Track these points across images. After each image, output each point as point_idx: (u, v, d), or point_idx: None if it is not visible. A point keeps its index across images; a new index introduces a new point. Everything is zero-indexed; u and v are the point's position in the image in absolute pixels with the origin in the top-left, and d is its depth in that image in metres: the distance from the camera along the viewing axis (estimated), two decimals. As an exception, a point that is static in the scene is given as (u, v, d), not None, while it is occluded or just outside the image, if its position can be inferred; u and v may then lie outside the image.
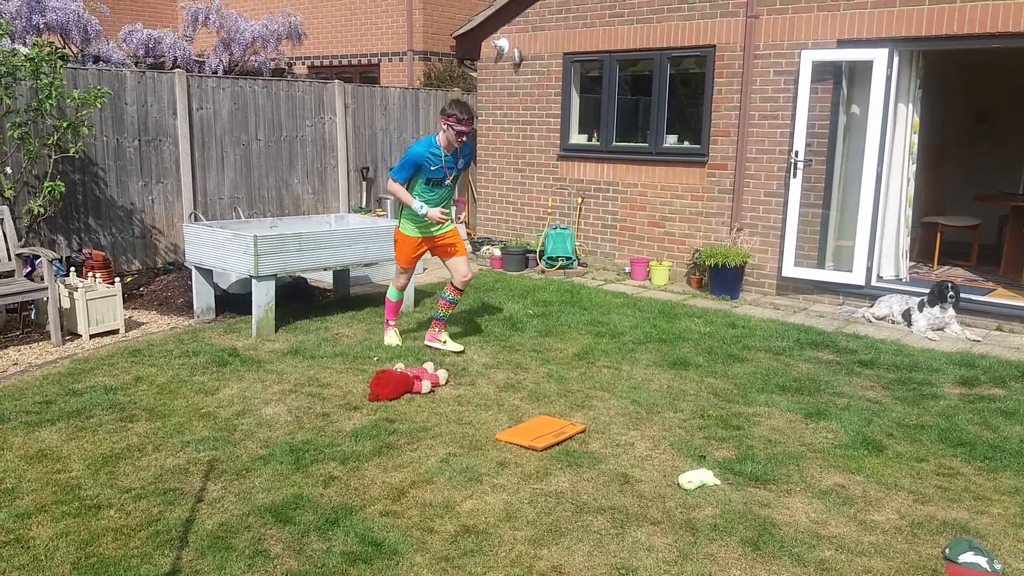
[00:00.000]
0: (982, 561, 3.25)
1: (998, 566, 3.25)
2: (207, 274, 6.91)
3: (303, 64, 16.29)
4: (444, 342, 6.09)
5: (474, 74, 10.81)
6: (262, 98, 9.79)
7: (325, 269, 6.79)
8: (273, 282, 6.45)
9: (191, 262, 6.87)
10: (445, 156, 5.74)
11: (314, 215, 9.34)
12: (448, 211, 5.94)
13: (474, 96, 11.32)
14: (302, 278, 7.75)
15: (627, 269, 9.31)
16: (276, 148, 10.00)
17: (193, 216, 8.97)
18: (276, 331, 6.52)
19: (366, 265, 7.16)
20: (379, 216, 10.24)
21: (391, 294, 6.29)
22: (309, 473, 4.04)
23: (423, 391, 5.14)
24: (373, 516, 3.63)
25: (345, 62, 15.67)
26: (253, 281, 6.33)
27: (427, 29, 14.60)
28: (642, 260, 9.14)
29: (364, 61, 15.39)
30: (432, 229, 5.99)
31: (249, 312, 6.57)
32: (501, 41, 10.13)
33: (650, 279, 9.01)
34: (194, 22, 12.97)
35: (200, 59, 13.21)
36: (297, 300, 7.51)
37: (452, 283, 6.08)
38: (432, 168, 5.72)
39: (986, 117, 10.46)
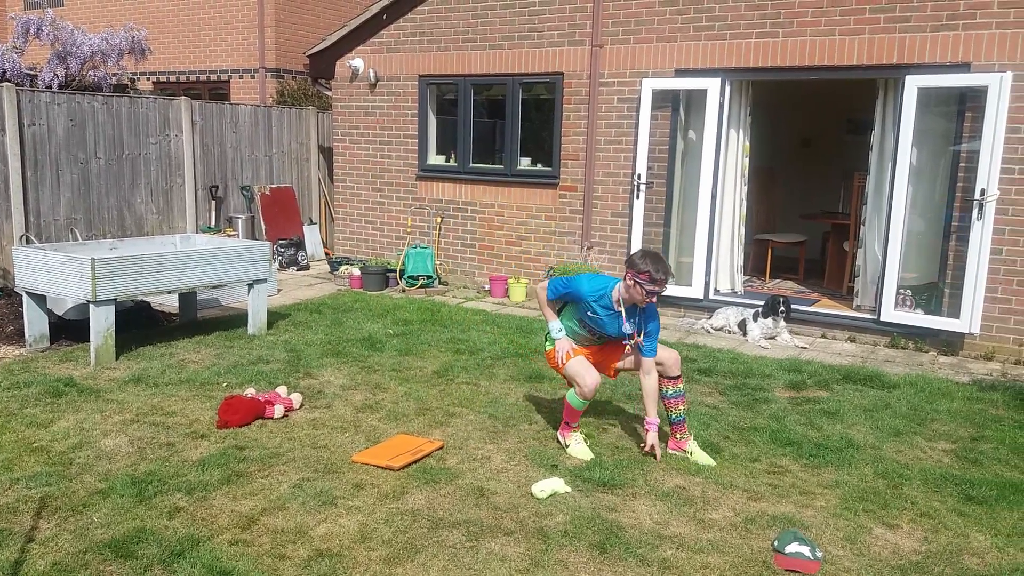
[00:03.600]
0: (806, 550, 3.53)
1: (819, 554, 3.55)
2: (40, 300, 6.49)
3: (148, 80, 15.59)
4: (691, 453, 4.64)
5: (329, 93, 10.72)
6: (102, 115, 9.31)
7: (170, 292, 6.52)
8: (113, 307, 6.14)
9: (21, 287, 6.43)
10: (613, 312, 4.49)
11: (158, 236, 8.94)
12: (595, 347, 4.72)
13: (329, 115, 11.21)
14: (145, 302, 7.41)
15: (487, 287, 9.47)
16: (118, 166, 9.52)
17: (24, 238, 8.40)
18: (117, 359, 6.20)
19: (214, 287, 6.94)
20: (229, 236, 9.94)
21: (572, 401, 4.66)
22: (152, 505, 3.88)
23: (275, 416, 5.03)
24: (221, 546, 3.53)
25: (193, 78, 15.12)
26: (91, 306, 6.00)
27: (280, 46, 14.33)
28: (501, 278, 9.32)
29: (214, 78, 14.91)
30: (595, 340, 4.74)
31: (87, 339, 6.22)
32: (356, 61, 10.11)
33: (509, 296, 9.19)
34: (25, 33, 12.14)
35: (32, 72, 12.38)
36: (140, 326, 7.16)
37: (663, 375, 4.66)
38: (590, 315, 4.57)
39: (809, 142, 11.39)
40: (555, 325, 4.69)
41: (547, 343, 4.84)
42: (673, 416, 4.66)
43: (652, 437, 4.56)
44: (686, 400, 4.81)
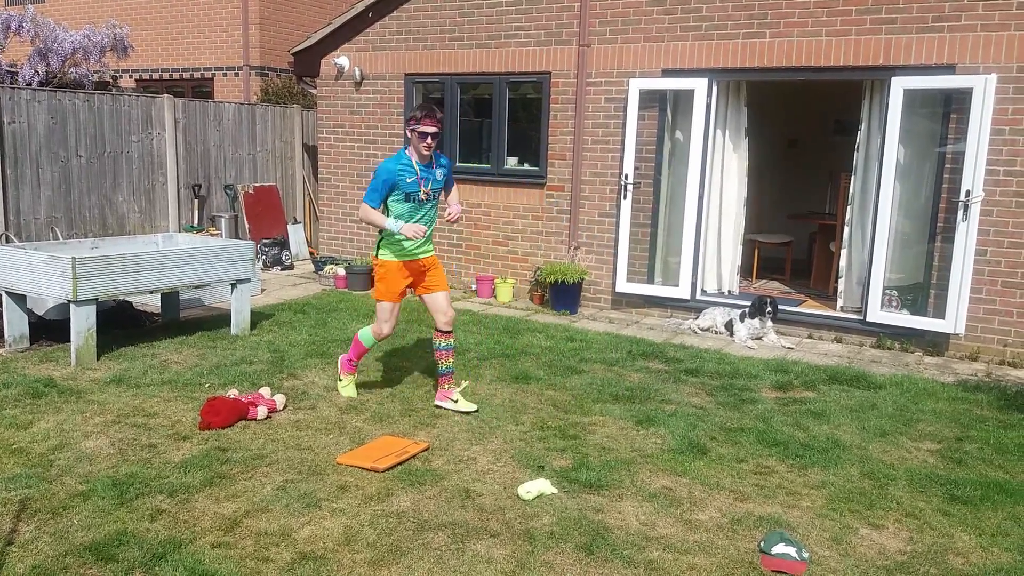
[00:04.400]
0: (792, 551, 3.52)
1: (806, 554, 3.54)
2: (20, 299, 6.39)
3: (130, 77, 15.45)
4: (456, 400, 5.29)
5: (314, 91, 10.65)
6: (84, 112, 9.21)
7: (152, 292, 6.45)
8: (94, 307, 6.06)
9: (1, 287, 6.34)
10: (420, 167, 5.08)
11: (140, 235, 8.85)
12: (427, 229, 5.18)
13: (314, 113, 11.14)
14: (127, 302, 7.32)
15: (473, 287, 9.43)
16: (99, 165, 9.42)
17: (4, 237, 8.29)
18: (98, 359, 6.12)
19: (197, 287, 6.87)
20: (212, 235, 9.86)
21: (365, 338, 5.39)
22: (134, 508, 3.82)
23: (259, 417, 4.98)
24: (204, 548, 3.48)
25: (176, 76, 15.00)
26: (72, 306, 5.92)
27: (264, 44, 14.24)
28: (487, 278, 9.29)
29: (197, 75, 14.79)
30: (417, 251, 5.21)
31: (68, 339, 6.14)
32: (341, 59, 10.05)
33: (495, 296, 9.16)
34: (5, 30, 12.01)
35: (12, 69, 12.25)
36: (121, 326, 7.08)
37: (436, 328, 5.31)
38: (408, 181, 5.03)
39: (796, 143, 11.43)
40: (391, 220, 5.03)
41: (376, 251, 5.27)
42: (442, 368, 5.29)
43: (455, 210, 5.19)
44: (455, 354, 5.44)
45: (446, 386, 5.32)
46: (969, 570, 3.50)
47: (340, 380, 5.53)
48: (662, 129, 8.28)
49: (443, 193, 5.36)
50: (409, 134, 5.04)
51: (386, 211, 5.13)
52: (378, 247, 5.25)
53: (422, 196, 5.11)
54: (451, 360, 5.30)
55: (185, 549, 3.47)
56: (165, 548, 3.46)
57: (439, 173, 5.19)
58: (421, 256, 5.26)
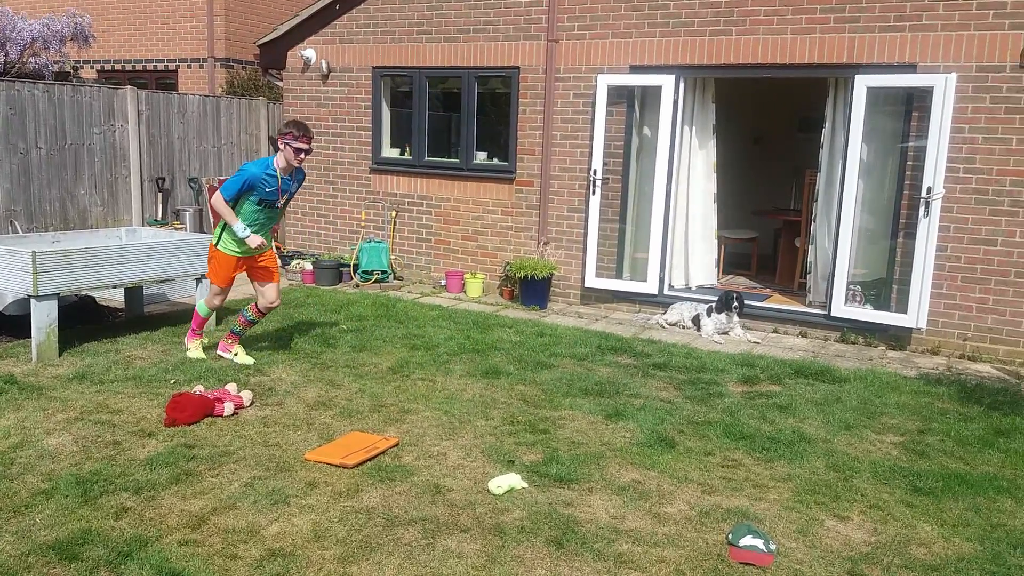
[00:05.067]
0: (759, 543, 3.57)
1: (773, 546, 3.59)
2: (-24, 295, 6.25)
3: (92, 68, 15.15)
4: (235, 354, 6.01)
5: (280, 84, 10.53)
6: (43, 103, 9.02)
7: (115, 287, 6.34)
8: (55, 302, 5.94)
9: (-43, 282, 6.18)
10: (282, 178, 5.64)
11: (103, 229, 8.69)
12: (268, 237, 5.87)
13: (280, 106, 11.02)
14: (90, 297, 7.19)
15: (443, 282, 9.41)
16: (60, 157, 9.23)
17: (-41, 231, 8.08)
18: (60, 355, 6.00)
19: (161, 282, 6.77)
20: (177, 229, 9.71)
21: (201, 309, 6.14)
22: (98, 506, 3.76)
23: (225, 413, 4.92)
24: (171, 546, 3.44)
25: (140, 67, 14.74)
26: (32, 301, 5.80)
27: (229, 36, 14.04)
28: (457, 273, 9.27)
29: (161, 67, 14.55)
30: (253, 250, 5.82)
31: (28, 335, 6.01)
32: (308, 52, 9.95)
33: (465, 291, 9.15)
34: (-40, 17, 11.72)
35: (-33, 58, 11.95)
36: (84, 321, 6.95)
37: (257, 305, 6.03)
38: (267, 190, 5.61)
39: (762, 140, 11.55)
40: (240, 224, 5.60)
41: (215, 238, 5.79)
42: (237, 329, 6.04)
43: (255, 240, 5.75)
44: (251, 328, 6.17)
45: (229, 341, 6.05)
46: (932, 560, 3.57)
47: (188, 349, 6.13)
48: (630, 125, 8.32)
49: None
50: (282, 147, 5.56)
51: (237, 206, 5.67)
52: (219, 236, 5.79)
53: (278, 203, 5.75)
54: (247, 330, 6.10)
55: (151, 547, 3.42)
56: (131, 546, 3.41)
57: (295, 186, 5.84)
58: (256, 254, 5.86)
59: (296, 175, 5.80)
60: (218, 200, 5.59)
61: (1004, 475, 4.50)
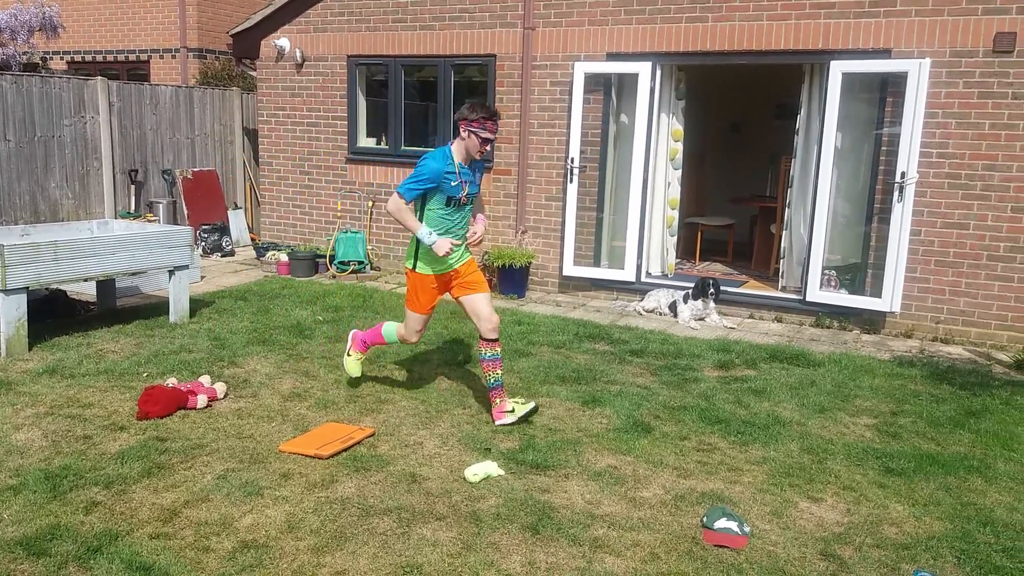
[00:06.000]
0: (734, 525, 3.59)
1: (747, 528, 3.61)
2: (-57, 289, 6.13)
3: (61, 59, 14.92)
4: (512, 410, 4.76)
5: (254, 73, 10.41)
6: (11, 95, 8.87)
7: (86, 280, 6.25)
8: (25, 296, 5.84)
9: (-77, 276, 6.07)
10: (462, 169, 4.66)
11: (74, 221, 8.57)
12: (460, 241, 4.82)
13: (254, 96, 10.91)
14: (60, 291, 7.09)
15: (418, 272, 9.34)
16: (29, 149, 9.08)
17: (-74, 225, 7.94)
18: (30, 349, 5.91)
19: (134, 275, 6.68)
20: (150, 221, 9.60)
21: (388, 334, 5.11)
22: (68, 500, 3.71)
23: (199, 406, 4.87)
24: (142, 540, 3.40)
25: (111, 58, 14.53)
26: (1, 295, 5.70)
27: (202, 25, 13.87)
28: (433, 263, 9.21)
29: (132, 57, 14.36)
30: (450, 261, 4.82)
31: (-3, 330, 5.92)
32: (282, 41, 9.84)
33: (441, 282, 9.09)
34: (-76, 7, 11.48)
35: (-67, 49, 11.72)
36: (55, 315, 6.85)
37: (481, 337, 4.81)
38: (452, 184, 4.61)
39: (739, 127, 11.58)
40: (425, 230, 4.65)
41: (410, 260, 4.86)
42: (491, 381, 4.79)
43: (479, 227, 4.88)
44: (501, 365, 4.85)
45: (497, 401, 4.79)
46: (903, 539, 3.60)
47: (348, 354, 5.23)
48: (607, 113, 8.30)
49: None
50: (466, 134, 4.56)
51: (417, 211, 4.74)
52: (414, 257, 4.82)
53: (462, 199, 4.70)
54: (499, 371, 4.80)
55: (122, 541, 3.38)
56: (100, 541, 3.37)
57: (479, 176, 4.82)
58: (456, 266, 4.85)
59: (475, 163, 4.78)
60: (396, 204, 4.61)
61: (974, 455, 4.55)
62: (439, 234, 4.68)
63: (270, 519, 3.61)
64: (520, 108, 8.63)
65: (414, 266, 4.84)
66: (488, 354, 4.78)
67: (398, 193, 4.60)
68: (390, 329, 5.11)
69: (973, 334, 7.05)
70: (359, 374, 5.28)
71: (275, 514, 3.65)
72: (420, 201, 4.70)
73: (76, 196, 9.66)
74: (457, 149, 4.65)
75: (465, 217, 4.81)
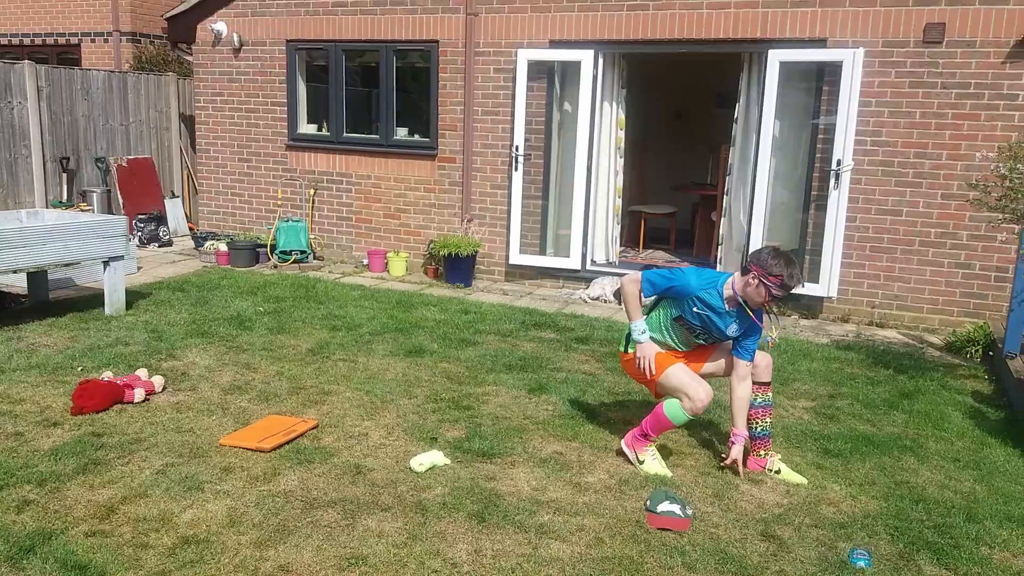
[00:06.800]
0: (676, 508, 3.64)
1: (690, 511, 3.66)
2: None
3: (-15, 41, 14.31)
4: (778, 471, 4.12)
5: (190, 59, 10.14)
6: (-71, 78, 8.47)
7: (16, 272, 6.03)
8: (-51, 288, 5.62)
9: None
10: (724, 311, 3.93)
11: (2, 211, 8.25)
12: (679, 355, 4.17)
13: (191, 82, 10.62)
14: (-11, 283, 6.83)
15: (365, 261, 9.26)
16: (-49, 136, 8.71)
17: None
18: (-45, 344, 5.70)
19: (66, 266, 6.47)
20: (83, 211, 9.30)
21: (674, 415, 4.02)
22: (-3, 500, 3.58)
23: (136, 400, 4.75)
24: (77, 538, 3.30)
25: (39, 41, 13.99)
26: (-78, 288, 5.47)
27: (135, 9, 13.44)
28: (380, 252, 9.14)
29: (62, 41, 13.84)
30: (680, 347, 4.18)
31: (-81, 324, 5.68)
32: (219, 25, 9.59)
33: (388, 270, 9.03)
34: None
35: None
36: (-17, 308, 6.61)
37: (756, 382, 4.14)
38: (694, 310, 3.97)
39: (681, 116, 11.70)
40: (639, 325, 4.06)
41: (625, 345, 4.25)
42: (758, 430, 4.13)
43: (737, 451, 4.04)
44: (772, 411, 4.25)
45: (762, 452, 4.17)
46: (840, 518, 3.71)
47: (639, 462, 4.15)
48: (551, 100, 8.31)
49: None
50: (754, 281, 3.78)
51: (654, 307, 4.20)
52: (626, 342, 4.25)
53: (698, 337, 4.09)
54: (768, 419, 4.18)
55: (56, 540, 3.28)
56: (33, 540, 3.26)
57: (733, 328, 3.98)
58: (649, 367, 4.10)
59: (742, 321, 3.95)
60: (631, 285, 4.03)
61: (908, 435, 4.70)
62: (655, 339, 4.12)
63: (211, 514, 3.54)
64: (464, 95, 8.57)
65: (626, 348, 4.24)
66: (759, 400, 4.15)
67: (642, 276, 4.03)
68: (672, 408, 4.04)
69: (907, 318, 7.27)
70: (668, 472, 4.10)
71: (216, 508, 3.59)
72: (656, 301, 4.19)
73: (4, 185, 9.31)
74: (734, 287, 3.90)
75: (688, 346, 4.17)
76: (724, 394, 4.50)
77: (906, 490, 4.00)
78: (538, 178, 8.45)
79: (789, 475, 4.09)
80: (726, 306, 3.92)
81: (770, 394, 4.17)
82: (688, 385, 3.96)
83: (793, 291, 3.80)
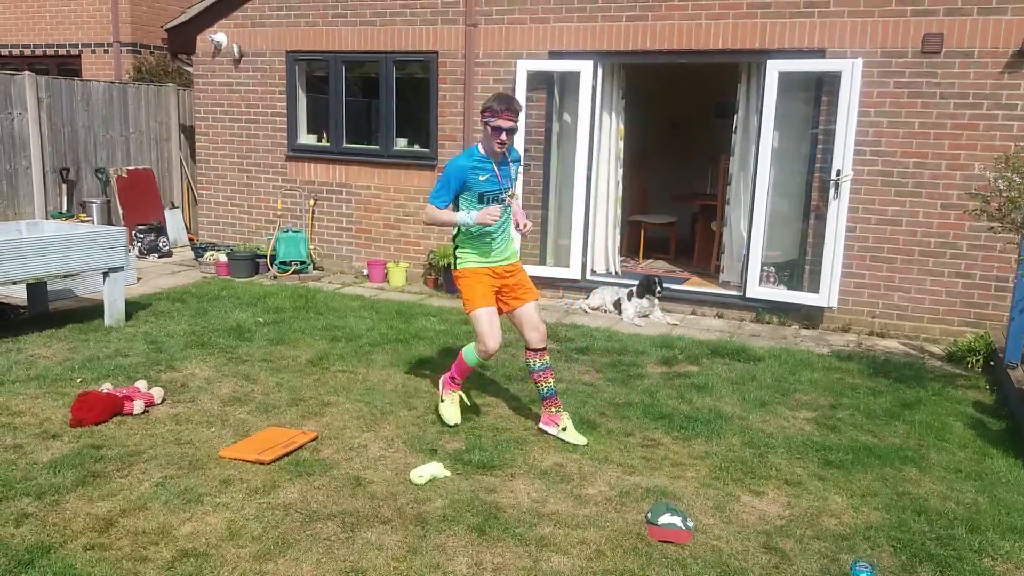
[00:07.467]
0: (677, 520, 3.63)
1: (691, 523, 3.65)
2: None
3: (-14, 52, 14.34)
4: (564, 428, 4.62)
5: (190, 69, 10.17)
6: (-70, 89, 8.49)
7: (15, 283, 6.03)
8: (-52, 300, 5.61)
9: None
10: (496, 165, 4.48)
11: (2, 222, 8.25)
12: (505, 244, 4.64)
13: (191, 92, 10.65)
14: (-12, 294, 6.83)
15: (365, 272, 9.26)
16: (-49, 147, 8.72)
17: None
18: (-46, 356, 5.68)
19: (66, 277, 6.46)
20: (83, 221, 9.30)
21: (469, 357, 4.68)
22: (-5, 513, 3.57)
23: (135, 412, 4.73)
24: (76, 552, 3.29)
25: (40, 52, 14.02)
26: (-79, 300, 5.46)
27: (136, 19, 13.48)
28: (379, 262, 9.13)
29: (63, 52, 13.88)
30: (494, 255, 4.59)
31: (-82, 336, 5.67)
32: (219, 36, 9.62)
33: (388, 281, 9.03)
34: None
35: None
36: (-18, 319, 6.60)
37: (527, 347, 4.64)
38: (481, 179, 4.43)
39: (679, 126, 11.72)
40: (462, 213, 4.47)
41: (456, 257, 4.64)
42: (544, 390, 4.63)
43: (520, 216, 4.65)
44: (553, 373, 4.69)
45: (552, 409, 4.65)
46: (842, 530, 3.69)
47: (441, 400, 4.80)
48: (551, 111, 8.32)
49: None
50: (483, 127, 4.41)
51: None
52: (455, 253, 4.66)
53: (503, 196, 4.50)
54: (551, 380, 4.65)
55: (55, 553, 3.27)
56: (32, 554, 3.25)
57: (513, 170, 4.58)
58: (501, 264, 4.61)
59: (511, 155, 4.55)
60: (428, 211, 4.51)
61: (909, 445, 4.68)
62: (479, 236, 4.53)
63: (210, 527, 3.53)
64: (464, 106, 8.59)
65: (456, 263, 4.63)
66: (538, 364, 4.61)
67: (429, 203, 4.48)
68: (469, 351, 4.69)
69: (907, 328, 7.27)
70: (458, 419, 4.74)
71: (215, 521, 3.57)
72: (454, 207, 4.54)
73: (4, 196, 9.31)
74: (482, 144, 4.49)
75: (506, 219, 4.59)
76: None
77: (908, 501, 3.99)
78: (537, 188, 8.46)
79: (571, 435, 4.58)
80: (494, 160, 4.46)
81: (547, 358, 4.65)
82: (485, 334, 4.52)
83: (508, 113, 4.32)
